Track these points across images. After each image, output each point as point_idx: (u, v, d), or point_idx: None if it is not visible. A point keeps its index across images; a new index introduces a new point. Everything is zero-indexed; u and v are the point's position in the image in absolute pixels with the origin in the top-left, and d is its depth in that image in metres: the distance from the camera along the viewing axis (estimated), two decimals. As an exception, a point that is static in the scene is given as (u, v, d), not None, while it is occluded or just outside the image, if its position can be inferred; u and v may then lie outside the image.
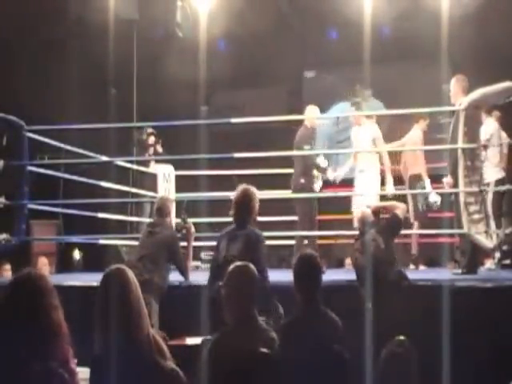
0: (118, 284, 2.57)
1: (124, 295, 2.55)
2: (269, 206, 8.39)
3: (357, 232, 5.46)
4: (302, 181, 7.08)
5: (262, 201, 7.97)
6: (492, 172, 7.01)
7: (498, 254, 6.93)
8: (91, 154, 7.85)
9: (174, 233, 5.82)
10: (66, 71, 9.61)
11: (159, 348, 2.54)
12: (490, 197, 6.85)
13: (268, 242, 8.18)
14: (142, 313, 2.57)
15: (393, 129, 9.89)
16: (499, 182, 6.94)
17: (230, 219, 8.56)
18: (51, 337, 2.27)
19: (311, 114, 7.34)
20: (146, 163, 8.78)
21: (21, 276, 2.38)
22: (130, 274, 2.63)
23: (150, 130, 8.88)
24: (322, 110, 11.65)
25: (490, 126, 7.15)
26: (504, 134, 7.49)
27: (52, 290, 2.35)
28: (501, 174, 7.06)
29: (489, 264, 7.09)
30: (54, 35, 9.88)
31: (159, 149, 8.97)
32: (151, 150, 8.93)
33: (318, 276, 3.73)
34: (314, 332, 3.48)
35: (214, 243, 9.84)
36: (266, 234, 7.48)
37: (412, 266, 7.50)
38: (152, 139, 8.91)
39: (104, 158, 7.77)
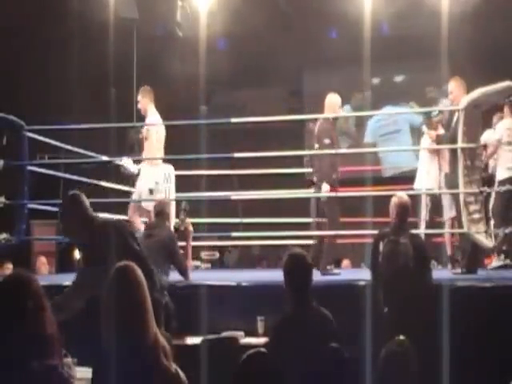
0: (126, 281, 2.54)
1: (133, 292, 2.52)
2: (267, 206, 8.44)
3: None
4: (334, 176, 6.67)
5: (261, 201, 8.01)
6: (499, 171, 6.97)
7: (501, 255, 6.91)
8: (91, 153, 7.84)
9: (172, 233, 5.84)
10: (66, 71, 9.61)
11: (164, 349, 2.53)
12: (492, 196, 6.82)
13: (267, 243, 8.28)
14: (150, 311, 2.55)
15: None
16: (502, 183, 6.89)
17: (229, 219, 8.59)
18: (40, 337, 2.27)
19: (331, 103, 6.84)
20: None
21: (5, 279, 2.40)
22: (139, 271, 2.61)
23: None
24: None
25: (499, 126, 7.11)
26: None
27: (39, 290, 2.35)
28: (507, 174, 6.99)
29: (494, 262, 7.04)
30: (54, 35, 9.88)
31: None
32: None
33: (308, 274, 3.74)
34: (307, 330, 3.49)
35: (213, 243, 9.84)
36: (263, 234, 7.57)
37: (449, 266, 7.37)
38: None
39: (104, 158, 7.77)
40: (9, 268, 7.66)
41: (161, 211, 5.94)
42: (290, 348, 3.35)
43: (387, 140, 12.04)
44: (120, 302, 2.50)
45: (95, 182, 7.59)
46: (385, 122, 12.02)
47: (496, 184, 6.86)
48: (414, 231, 5.44)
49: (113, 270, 2.60)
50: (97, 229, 3.83)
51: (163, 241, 5.57)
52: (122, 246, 3.68)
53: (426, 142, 7.42)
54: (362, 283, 5.22)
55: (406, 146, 11.95)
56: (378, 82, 11.96)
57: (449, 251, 7.45)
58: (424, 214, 7.19)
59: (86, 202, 3.93)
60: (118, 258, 2.84)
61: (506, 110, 7.04)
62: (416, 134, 11.83)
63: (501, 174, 6.90)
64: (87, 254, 3.90)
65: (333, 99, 6.79)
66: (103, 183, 7.72)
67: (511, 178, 6.88)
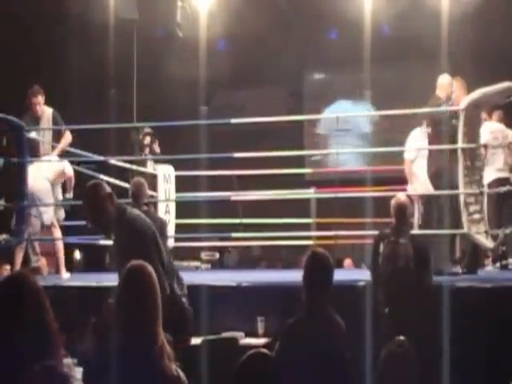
0: (140, 282, 2.52)
1: (146, 294, 2.51)
2: (267, 207, 8.43)
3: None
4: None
5: (261, 201, 8.01)
6: (487, 173, 6.96)
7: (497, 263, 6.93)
8: (91, 154, 7.83)
9: (162, 217, 5.61)
10: (66, 71, 9.61)
11: (167, 350, 2.53)
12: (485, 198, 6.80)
13: (267, 243, 8.27)
14: (160, 313, 2.54)
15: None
16: (490, 185, 6.86)
17: (229, 220, 8.58)
18: (41, 337, 2.27)
19: (443, 83, 6.64)
20: (142, 163, 8.75)
21: (5, 279, 2.40)
22: (153, 272, 2.58)
23: (146, 130, 8.87)
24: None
25: (482, 129, 7.09)
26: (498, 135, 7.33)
27: (39, 290, 2.35)
28: (495, 176, 6.96)
29: (489, 267, 7.07)
30: (54, 35, 9.88)
31: (156, 149, 8.96)
32: (147, 150, 8.91)
33: (328, 275, 3.59)
34: (318, 333, 3.45)
35: (213, 244, 9.82)
36: (263, 234, 7.57)
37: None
38: (148, 139, 8.89)
39: (104, 158, 7.76)
40: (6, 269, 7.64)
41: (134, 193, 5.44)
42: (298, 349, 3.34)
43: (338, 136, 11.88)
44: (133, 304, 2.50)
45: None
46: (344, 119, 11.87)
47: (485, 186, 6.84)
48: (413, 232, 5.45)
49: (128, 268, 2.58)
50: (123, 220, 3.76)
51: (158, 228, 5.27)
52: (140, 244, 3.66)
53: (422, 142, 7.36)
54: (362, 283, 5.22)
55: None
56: (377, 83, 11.95)
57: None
58: (417, 218, 7.14)
59: (108, 189, 3.85)
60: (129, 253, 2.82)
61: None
62: (365, 137, 11.95)
63: (489, 176, 6.88)
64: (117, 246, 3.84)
65: (445, 79, 6.65)
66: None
67: (499, 180, 6.88)
